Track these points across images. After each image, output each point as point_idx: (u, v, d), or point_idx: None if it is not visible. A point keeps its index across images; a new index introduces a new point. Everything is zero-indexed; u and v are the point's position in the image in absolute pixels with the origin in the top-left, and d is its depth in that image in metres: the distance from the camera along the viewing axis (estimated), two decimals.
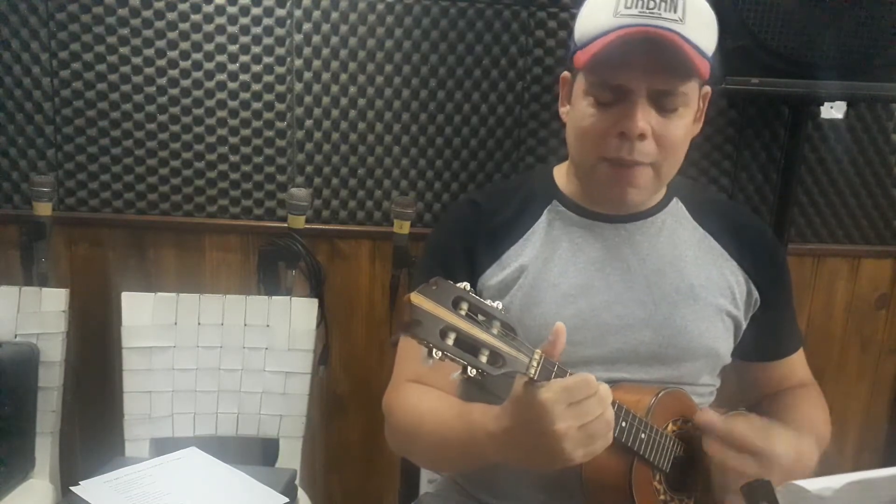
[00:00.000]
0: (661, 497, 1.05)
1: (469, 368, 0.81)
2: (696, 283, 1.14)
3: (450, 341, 0.79)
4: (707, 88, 1.12)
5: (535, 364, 0.86)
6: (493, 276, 1.13)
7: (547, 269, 1.12)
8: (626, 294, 1.12)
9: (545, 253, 1.13)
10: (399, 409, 1.16)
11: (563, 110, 1.16)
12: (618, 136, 1.04)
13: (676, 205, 1.20)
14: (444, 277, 0.81)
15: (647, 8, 1.00)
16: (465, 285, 0.82)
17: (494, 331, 0.83)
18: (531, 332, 1.04)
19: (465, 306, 0.81)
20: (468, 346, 0.81)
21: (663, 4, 1.00)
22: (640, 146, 1.03)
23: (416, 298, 0.78)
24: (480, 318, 0.83)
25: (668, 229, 1.17)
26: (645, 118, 1.02)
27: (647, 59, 1.00)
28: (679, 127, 1.06)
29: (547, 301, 1.10)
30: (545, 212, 1.17)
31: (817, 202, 1.95)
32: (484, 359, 0.82)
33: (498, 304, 0.84)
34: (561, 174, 1.21)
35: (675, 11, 1.00)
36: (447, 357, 0.79)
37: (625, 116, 1.02)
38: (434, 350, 0.78)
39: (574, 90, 1.10)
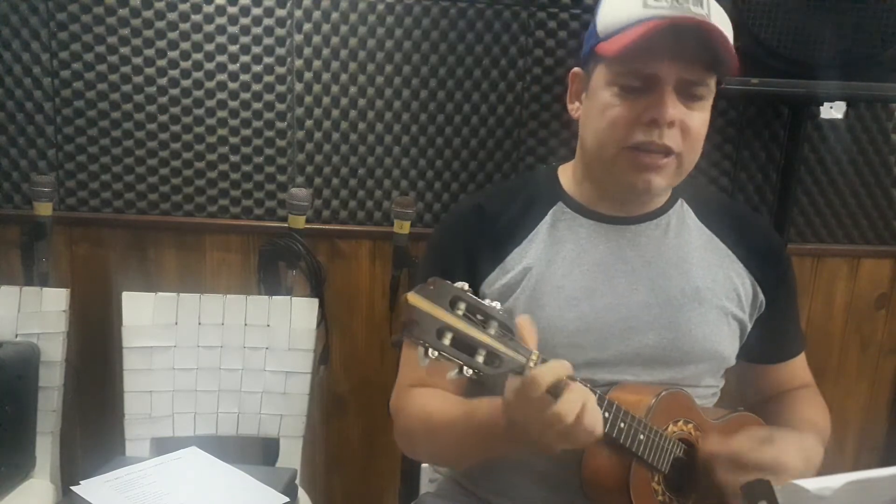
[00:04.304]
0: (660, 498, 1.05)
1: (465, 368, 0.81)
2: (702, 285, 1.13)
3: (446, 341, 0.79)
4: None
5: (531, 364, 0.86)
6: (497, 279, 1.13)
7: (551, 271, 1.12)
8: (630, 296, 1.12)
9: (549, 255, 1.13)
10: (406, 412, 1.16)
11: (573, 106, 1.15)
12: (647, 124, 1.03)
13: (682, 206, 1.19)
14: (444, 279, 0.81)
15: (677, 1, 1.01)
16: (463, 285, 0.82)
17: (492, 331, 0.83)
18: None
19: (462, 306, 0.81)
20: (465, 346, 0.81)
21: None
22: (669, 133, 1.03)
23: (413, 298, 0.78)
24: (478, 317, 0.83)
25: (673, 231, 1.16)
26: (674, 106, 1.02)
27: (680, 49, 1.00)
28: (702, 118, 1.06)
29: (551, 304, 1.10)
30: (549, 213, 1.16)
31: (817, 202, 1.95)
32: (480, 359, 0.82)
33: (496, 304, 0.84)
34: (566, 175, 1.20)
35: (701, 7, 1.02)
36: (443, 357, 0.79)
37: (656, 104, 1.02)
38: (430, 350, 0.78)
39: (592, 83, 1.09)
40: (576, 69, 1.15)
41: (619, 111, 1.04)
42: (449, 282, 0.81)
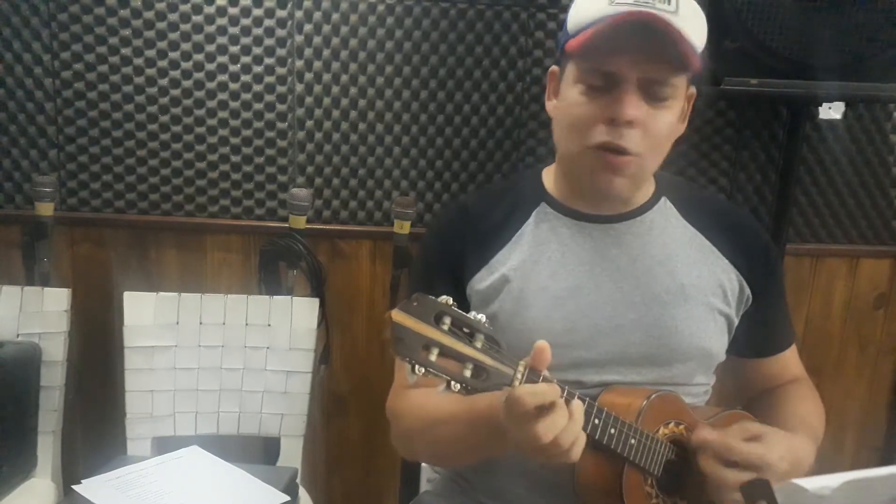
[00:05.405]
0: (654, 501, 1.05)
1: (452, 383, 0.81)
2: (687, 282, 1.13)
3: (433, 357, 0.79)
4: (692, 90, 1.11)
5: (519, 376, 0.87)
6: (482, 280, 1.13)
7: (536, 271, 1.12)
8: (616, 295, 1.12)
9: (534, 255, 1.13)
10: (404, 412, 1.16)
11: (550, 104, 1.15)
12: (606, 123, 1.03)
13: (665, 204, 1.19)
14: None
15: None
16: (447, 300, 0.82)
17: (478, 344, 0.83)
18: (521, 335, 1.04)
19: (447, 321, 0.81)
20: (452, 361, 0.81)
21: None
22: (627, 133, 1.03)
23: (397, 316, 0.78)
24: (464, 331, 0.83)
25: (657, 228, 1.16)
26: (634, 105, 1.02)
27: (640, 47, 0.99)
28: (666, 120, 1.05)
29: (537, 304, 1.10)
30: (533, 214, 1.16)
31: (816, 202, 1.95)
32: (468, 373, 0.82)
33: (482, 317, 0.84)
34: (549, 176, 1.21)
35: (669, 3, 1.01)
36: (430, 373, 0.79)
37: (614, 102, 1.02)
38: (417, 367, 0.79)
39: (563, 80, 1.10)
40: (553, 67, 1.15)
41: (583, 110, 1.05)
42: (433, 297, 0.81)
